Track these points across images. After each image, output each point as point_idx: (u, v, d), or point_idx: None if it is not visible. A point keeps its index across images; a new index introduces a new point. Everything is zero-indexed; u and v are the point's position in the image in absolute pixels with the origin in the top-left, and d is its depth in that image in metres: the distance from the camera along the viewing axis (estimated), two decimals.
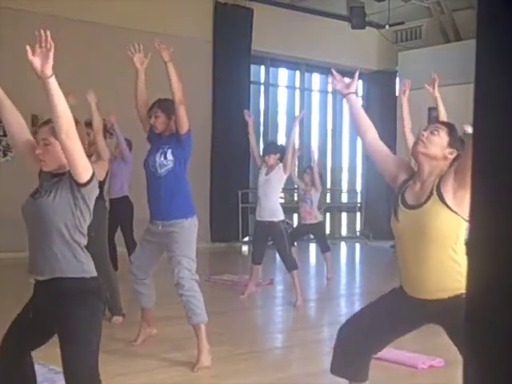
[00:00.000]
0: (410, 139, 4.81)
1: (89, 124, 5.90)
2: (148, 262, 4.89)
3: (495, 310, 0.74)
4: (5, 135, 9.98)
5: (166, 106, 4.67)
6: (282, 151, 6.79)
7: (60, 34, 11.22)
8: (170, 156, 4.63)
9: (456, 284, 2.65)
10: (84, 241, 2.81)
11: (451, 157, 2.83)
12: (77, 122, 2.80)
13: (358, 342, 2.97)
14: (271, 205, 6.72)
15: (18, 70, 10.30)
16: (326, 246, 8.72)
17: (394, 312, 2.93)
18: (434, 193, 2.73)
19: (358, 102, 3.17)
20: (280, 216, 6.75)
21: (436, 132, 2.85)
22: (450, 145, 2.84)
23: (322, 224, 8.83)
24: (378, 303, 3.03)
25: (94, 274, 2.82)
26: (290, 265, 6.78)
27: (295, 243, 8.52)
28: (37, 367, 4.33)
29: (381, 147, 3.02)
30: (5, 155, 10.26)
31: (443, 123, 3.00)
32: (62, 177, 2.78)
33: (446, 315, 2.71)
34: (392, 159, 3.02)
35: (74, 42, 10.65)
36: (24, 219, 2.85)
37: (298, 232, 8.83)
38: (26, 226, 2.85)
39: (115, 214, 7.42)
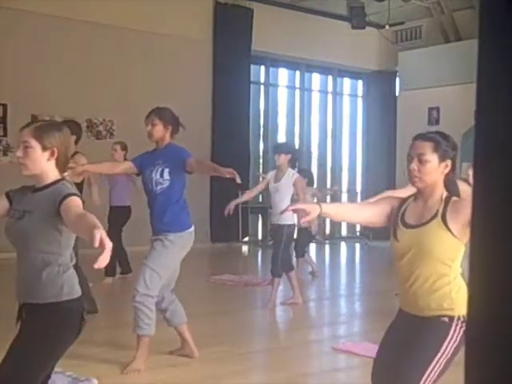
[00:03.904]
0: None
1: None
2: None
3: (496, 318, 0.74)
4: (5, 135, 9.97)
5: (163, 114, 4.61)
6: (294, 153, 6.80)
7: (60, 34, 11.28)
8: (166, 175, 4.55)
9: (443, 305, 2.65)
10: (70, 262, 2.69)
11: (447, 170, 2.72)
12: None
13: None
14: (281, 209, 6.72)
15: (18, 70, 10.31)
16: (304, 249, 8.98)
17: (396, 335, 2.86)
18: (439, 217, 2.66)
19: (332, 208, 2.99)
20: (288, 220, 6.65)
21: (423, 158, 2.68)
22: (442, 158, 2.70)
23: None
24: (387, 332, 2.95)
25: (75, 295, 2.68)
26: (274, 270, 6.77)
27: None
28: None
29: (377, 209, 2.90)
30: (5, 155, 10.25)
31: (425, 139, 2.74)
32: (46, 193, 2.64)
33: (412, 330, 2.68)
34: (383, 207, 2.89)
35: (73, 41, 10.66)
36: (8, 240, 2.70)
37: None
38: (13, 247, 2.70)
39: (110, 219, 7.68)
